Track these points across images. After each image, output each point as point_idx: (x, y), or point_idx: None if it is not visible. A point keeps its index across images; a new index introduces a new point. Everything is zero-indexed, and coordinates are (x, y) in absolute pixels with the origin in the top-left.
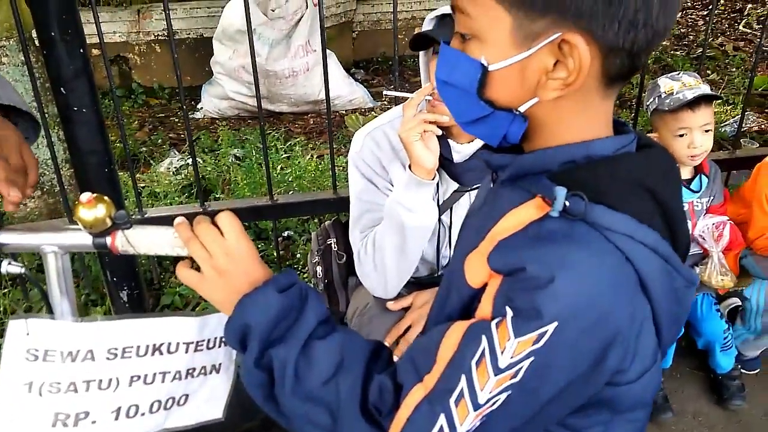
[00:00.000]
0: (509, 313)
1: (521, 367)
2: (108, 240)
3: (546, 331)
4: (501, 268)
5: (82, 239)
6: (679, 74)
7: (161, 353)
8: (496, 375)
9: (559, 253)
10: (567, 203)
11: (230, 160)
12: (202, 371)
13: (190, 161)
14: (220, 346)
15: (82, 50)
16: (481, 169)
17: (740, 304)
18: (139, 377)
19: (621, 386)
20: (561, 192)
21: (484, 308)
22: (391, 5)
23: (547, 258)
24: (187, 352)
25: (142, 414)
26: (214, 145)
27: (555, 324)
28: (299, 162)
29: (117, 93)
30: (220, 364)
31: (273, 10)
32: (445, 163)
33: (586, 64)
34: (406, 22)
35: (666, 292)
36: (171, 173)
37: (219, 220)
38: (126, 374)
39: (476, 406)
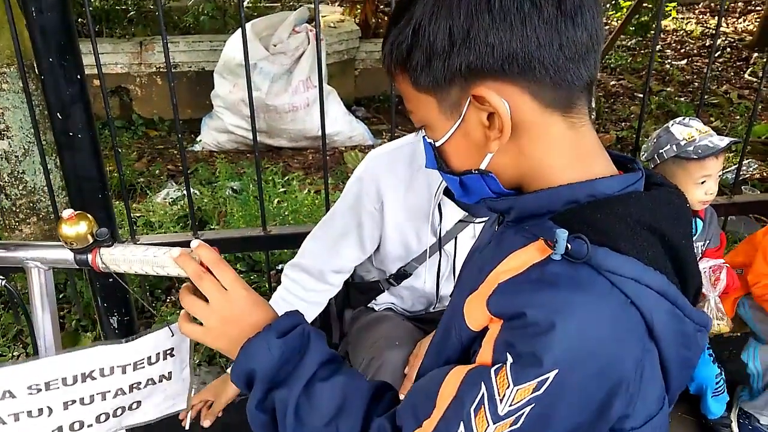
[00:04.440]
0: (509, 359)
1: (522, 414)
2: (89, 257)
3: (546, 379)
4: (500, 312)
5: (65, 255)
6: (686, 120)
7: (93, 378)
8: (495, 422)
9: (560, 298)
10: (569, 246)
11: (227, 193)
12: (150, 382)
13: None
14: (165, 359)
15: (79, 76)
16: None
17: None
18: (73, 401)
19: None
20: (562, 234)
21: (484, 354)
22: None
23: (547, 303)
24: (124, 372)
25: (89, 425)
26: (212, 178)
27: (555, 371)
28: (296, 196)
29: (117, 124)
30: (170, 372)
31: (275, 45)
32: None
33: (501, 107)
34: None
35: (674, 336)
36: (167, 203)
37: (214, 267)
38: (57, 402)
39: None
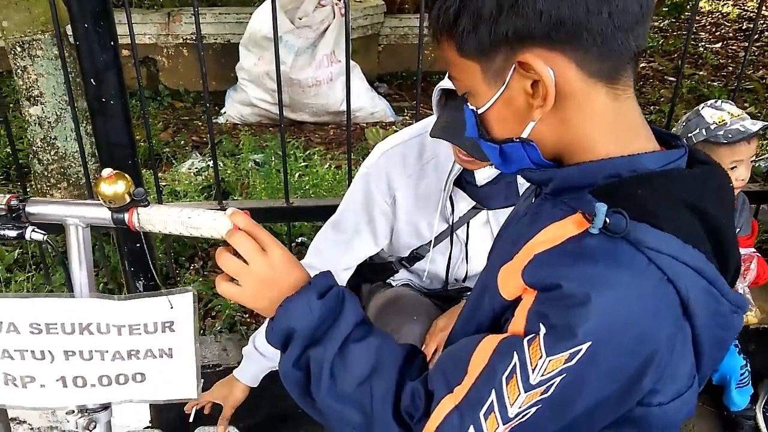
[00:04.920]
0: (542, 330)
1: (553, 383)
2: (126, 216)
3: (579, 350)
4: (536, 283)
5: (102, 213)
6: (718, 103)
7: (91, 333)
8: (526, 391)
9: (597, 272)
10: (608, 220)
11: (250, 165)
12: (149, 354)
13: (210, 163)
14: (164, 332)
15: (113, 43)
16: (504, 192)
17: None
18: (74, 353)
19: (652, 407)
20: (601, 208)
21: (517, 323)
22: (419, 20)
23: (584, 276)
24: (120, 334)
25: (92, 385)
26: (235, 150)
27: (589, 343)
28: (317, 171)
29: (146, 94)
30: (170, 349)
31: (300, 18)
32: (468, 187)
33: (546, 74)
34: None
35: (709, 315)
36: (192, 174)
37: (251, 231)
38: (58, 348)
39: (505, 420)
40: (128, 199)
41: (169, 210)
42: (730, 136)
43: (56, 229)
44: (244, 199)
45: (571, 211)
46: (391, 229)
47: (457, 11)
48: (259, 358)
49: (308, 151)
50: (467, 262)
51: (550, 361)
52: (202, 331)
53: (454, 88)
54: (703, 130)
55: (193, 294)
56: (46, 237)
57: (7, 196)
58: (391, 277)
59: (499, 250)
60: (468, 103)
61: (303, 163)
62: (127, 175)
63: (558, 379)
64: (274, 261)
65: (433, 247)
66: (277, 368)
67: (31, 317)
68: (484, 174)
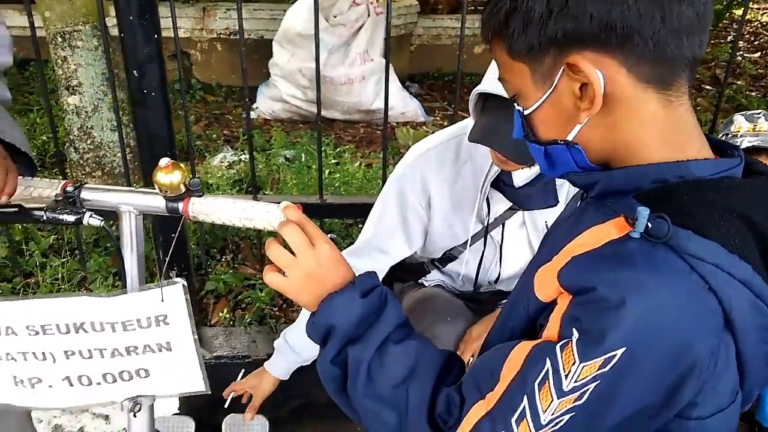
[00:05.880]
0: (575, 335)
1: (586, 390)
2: (180, 205)
3: (614, 356)
4: (571, 285)
5: (157, 202)
6: (757, 114)
7: (86, 331)
8: (559, 398)
9: (634, 276)
10: (649, 225)
11: (280, 161)
12: (148, 349)
13: (242, 157)
14: (158, 326)
15: (156, 36)
16: (542, 193)
17: None
18: (73, 352)
19: (691, 420)
20: (644, 212)
21: (551, 328)
22: (453, 21)
23: (620, 279)
24: (114, 331)
25: (98, 383)
26: (266, 145)
27: (623, 349)
28: (348, 168)
29: (177, 87)
30: (168, 343)
31: (335, 16)
32: (506, 189)
33: (594, 77)
34: (466, 39)
35: (755, 329)
36: (224, 167)
37: (301, 225)
38: (57, 349)
39: (538, 427)
40: (183, 189)
41: (223, 201)
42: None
43: (107, 216)
44: (275, 194)
45: (614, 214)
46: (425, 231)
47: (507, 13)
48: (289, 353)
49: (338, 149)
50: (500, 264)
51: (583, 367)
52: (232, 323)
53: (491, 91)
54: (723, 137)
55: (183, 285)
56: (103, 222)
57: (63, 182)
58: (424, 278)
59: (541, 252)
60: (516, 105)
61: (333, 161)
62: (182, 165)
63: (592, 385)
64: (321, 256)
65: (468, 248)
66: (305, 364)
67: (26, 319)
68: (523, 176)
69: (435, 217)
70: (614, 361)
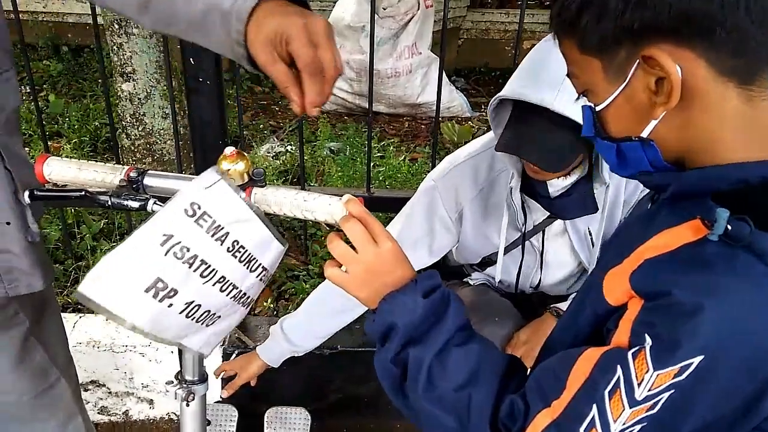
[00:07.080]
0: (648, 341)
1: (660, 399)
2: (243, 194)
3: (690, 364)
4: (643, 289)
5: None
6: None
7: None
8: (631, 407)
9: (712, 280)
10: (729, 227)
11: (325, 153)
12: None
13: (288, 148)
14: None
15: None
16: (580, 203)
17: None
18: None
19: None
20: (723, 214)
21: (621, 335)
22: (502, 15)
23: (697, 284)
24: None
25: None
26: (312, 137)
27: (701, 357)
28: (392, 162)
29: (225, 77)
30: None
31: (384, 9)
32: (542, 200)
33: (673, 70)
34: (513, 34)
35: None
36: (270, 158)
37: (364, 221)
38: (226, 272)
39: None
40: (246, 179)
41: (285, 192)
42: None
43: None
44: (320, 186)
45: (689, 216)
46: (453, 243)
47: (580, 6)
48: (283, 341)
49: (383, 142)
50: (541, 271)
51: (657, 375)
52: (275, 312)
53: (522, 99)
54: None
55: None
56: None
57: (126, 168)
58: (468, 277)
59: (609, 254)
60: (587, 101)
61: (378, 154)
62: (246, 155)
63: (666, 395)
64: (382, 252)
65: (504, 254)
66: (297, 355)
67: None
68: (558, 185)
69: (467, 227)
70: (690, 369)
